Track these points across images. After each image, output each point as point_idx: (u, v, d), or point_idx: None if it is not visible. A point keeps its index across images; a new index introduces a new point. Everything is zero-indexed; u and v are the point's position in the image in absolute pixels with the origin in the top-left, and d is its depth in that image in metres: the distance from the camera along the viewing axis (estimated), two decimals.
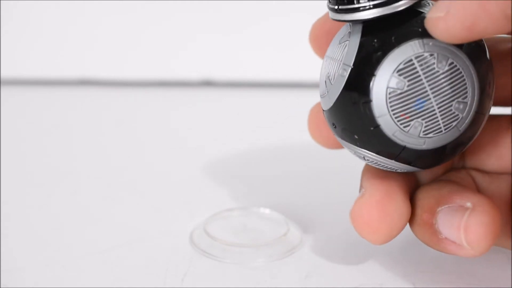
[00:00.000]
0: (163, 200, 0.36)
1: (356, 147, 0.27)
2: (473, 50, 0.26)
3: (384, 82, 0.25)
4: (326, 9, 0.27)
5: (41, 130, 0.45)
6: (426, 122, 0.25)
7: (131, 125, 0.46)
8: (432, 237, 0.27)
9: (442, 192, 0.27)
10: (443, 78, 0.25)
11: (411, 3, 0.25)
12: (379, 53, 0.25)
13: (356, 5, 0.25)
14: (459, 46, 0.25)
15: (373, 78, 0.25)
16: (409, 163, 0.27)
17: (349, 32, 0.26)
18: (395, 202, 0.27)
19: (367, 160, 0.27)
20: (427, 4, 0.26)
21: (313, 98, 0.32)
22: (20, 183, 0.38)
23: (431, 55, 0.25)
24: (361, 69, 0.26)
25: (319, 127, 0.31)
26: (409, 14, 0.26)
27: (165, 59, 0.52)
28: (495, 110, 0.29)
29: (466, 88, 0.25)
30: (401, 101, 0.25)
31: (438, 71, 0.25)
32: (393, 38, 0.25)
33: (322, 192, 0.37)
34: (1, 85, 0.51)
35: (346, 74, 0.26)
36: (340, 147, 0.29)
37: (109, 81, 0.52)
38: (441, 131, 0.26)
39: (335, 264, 0.31)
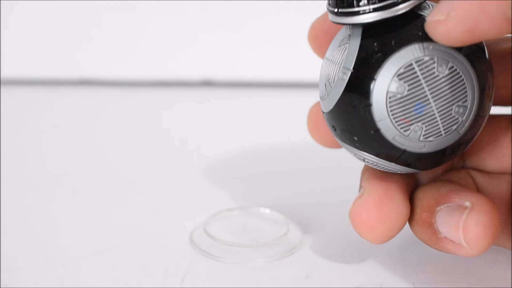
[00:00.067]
0: (163, 200, 0.36)
1: (356, 149, 0.27)
2: (473, 52, 0.26)
3: (384, 86, 0.25)
4: (326, 9, 0.27)
5: (41, 130, 0.45)
6: (426, 126, 0.25)
7: (131, 125, 0.46)
8: (431, 237, 0.27)
9: (441, 191, 0.27)
10: (443, 82, 0.25)
11: (411, 6, 0.25)
12: (379, 57, 0.25)
13: (356, 9, 0.25)
14: (459, 49, 0.25)
15: (373, 82, 0.25)
16: (408, 165, 0.27)
17: (349, 35, 0.26)
18: (394, 201, 0.27)
19: (367, 162, 0.27)
20: (427, 7, 0.26)
21: (313, 98, 0.32)
22: (20, 183, 0.38)
23: (431, 59, 0.25)
24: (361, 73, 0.25)
25: (318, 126, 0.31)
26: (409, 17, 0.25)
27: (165, 59, 0.52)
28: (494, 110, 0.29)
29: (466, 91, 0.25)
30: (401, 105, 0.25)
31: (438, 76, 0.25)
32: (393, 42, 0.25)
33: (322, 192, 0.37)
34: (1, 85, 0.51)
35: (346, 78, 0.26)
36: (340, 146, 0.29)
37: (109, 81, 0.52)
38: (441, 134, 0.26)
39: (335, 264, 0.31)
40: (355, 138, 0.26)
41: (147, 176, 0.39)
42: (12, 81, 0.52)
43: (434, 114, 0.25)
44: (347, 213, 0.27)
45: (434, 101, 0.25)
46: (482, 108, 0.26)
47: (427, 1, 0.26)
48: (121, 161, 0.41)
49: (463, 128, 0.26)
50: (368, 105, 0.25)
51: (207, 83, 0.52)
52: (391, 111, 0.25)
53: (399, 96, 0.25)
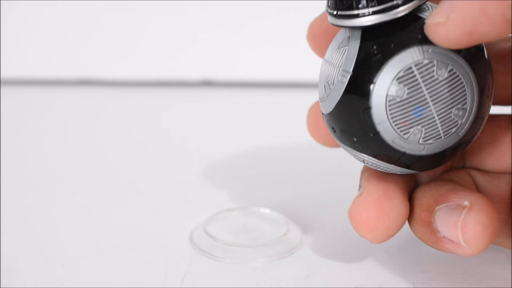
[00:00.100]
0: (163, 200, 0.36)
1: (355, 151, 0.27)
2: (472, 53, 0.25)
3: (383, 89, 0.25)
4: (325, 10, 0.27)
5: (41, 130, 0.46)
6: (425, 129, 0.25)
7: (131, 125, 0.46)
8: (431, 236, 0.27)
9: (440, 191, 0.27)
10: (442, 85, 0.25)
11: (410, 9, 0.25)
12: (378, 60, 0.25)
13: (355, 12, 0.25)
14: (458, 51, 0.25)
15: (372, 86, 0.25)
16: (408, 167, 0.27)
17: (348, 37, 0.26)
18: (393, 201, 0.27)
19: (366, 163, 0.27)
20: (427, 9, 0.26)
21: (312, 98, 0.32)
22: (20, 183, 0.38)
23: (430, 62, 0.25)
24: (361, 76, 0.25)
25: (318, 126, 0.31)
26: (408, 19, 0.25)
27: (165, 59, 0.52)
28: (494, 110, 0.29)
29: (465, 94, 0.25)
30: (400, 108, 0.25)
31: (437, 79, 0.25)
32: (392, 45, 0.25)
33: (322, 192, 0.37)
34: (1, 85, 0.51)
35: (346, 81, 0.26)
36: (339, 146, 0.29)
37: (109, 81, 0.52)
38: (441, 137, 0.26)
39: (335, 264, 0.31)
40: (355, 140, 0.26)
41: (147, 176, 0.39)
42: (12, 81, 0.52)
43: (433, 117, 0.25)
44: (347, 212, 0.27)
45: (434, 104, 0.25)
46: (481, 109, 0.26)
47: (426, 3, 0.26)
48: (121, 161, 0.41)
49: (463, 130, 0.26)
50: (368, 108, 0.25)
51: (207, 83, 0.52)
52: (390, 114, 0.25)
53: (398, 99, 0.25)
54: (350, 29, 0.26)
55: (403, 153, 0.26)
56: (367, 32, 0.26)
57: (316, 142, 0.32)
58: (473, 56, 0.25)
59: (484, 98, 0.26)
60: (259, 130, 0.45)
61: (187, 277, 0.30)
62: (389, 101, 0.25)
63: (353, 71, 0.26)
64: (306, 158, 0.40)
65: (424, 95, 0.25)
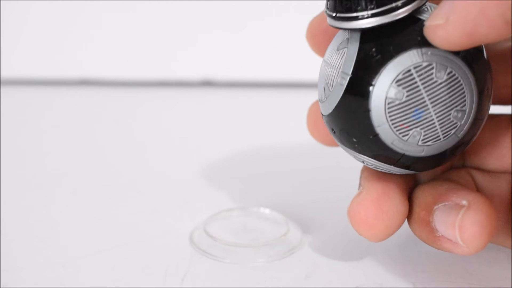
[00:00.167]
0: (163, 200, 0.36)
1: (355, 152, 0.27)
2: (471, 54, 0.25)
3: (382, 92, 0.25)
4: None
5: (41, 130, 0.46)
6: (424, 131, 0.25)
7: (131, 125, 0.46)
8: (429, 235, 0.27)
9: (439, 190, 0.27)
10: (441, 88, 0.25)
11: (410, 11, 0.25)
12: (377, 63, 0.25)
13: (354, 14, 0.25)
14: (457, 52, 0.25)
15: (371, 88, 0.25)
16: (407, 168, 0.27)
17: (347, 39, 0.26)
18: (392, 200, 0.27)
19: (366, 163, 0.27)
20: (426, 10, 0.26)
21: (312, 98, 0.32)
22: (20, 183, 0.38)
23: (429, 65, 0.25)
24: (360, 79, 0.25)
25: (318, 125, 0.31)
26: (407, 21, 0.25)
27: (165, 59, 0.52)
28: (495, 109, 0.29)
29: (464, 96, 0.25)
30: (399, 111, 0.25)
31: (436, 81, 0.25)
32: (391, 47, 0.25)
33: (322, 192, 0.37)
34: (1, 85, 0.51)
35: (345, 83, 0.26)
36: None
37: (109, 81, 0.52)
38: (440, 139, 0.26)
39: (335, 264, 0.31)
40: (354, 141, 0.26)
41: (147, 176, 0.39)
42: (12, 81, 0.52)
43: (432, 120, 0.25)
44: (346, 211, 0.28)
45: (433, 106, 0.25)
46: (480, 111, 0.26)
47: (426, 4, 0.26)
48: (121, 161, 0.41)
49: (462, 131, 0.26)
50: (367, 111, 0.25)
51: (207, 83, 0.52)
52: (389, 116, 0.25)
53: (397, 102, 0.25)
54: (349, 31, 0.26)
55: (403, 155, 0.26)
56: (366, 34, 0.26)
57: (316, 142, 0.32)
58: (472, 57, 0.25)
59: (483, 100, 0.26)
60: (259, 130, 0.45)
61: (187, 277, 0.30)
62: (388, 103, 0.25)
63: (352, 73, 0.26)
64: (306, 158, 0.40)
65: (423, 98, 0.25)
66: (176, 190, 0.37)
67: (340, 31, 0.27)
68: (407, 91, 0.25)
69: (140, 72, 0.52)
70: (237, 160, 0.41)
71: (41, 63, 0.52)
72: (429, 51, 0.25)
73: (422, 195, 0.27)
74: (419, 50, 0.25)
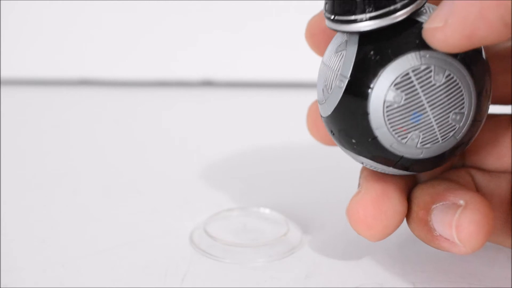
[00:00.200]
0: (163, 200, 0.36)
1: (354, 153, 0.27)
2: (469, 55, 0.25)
3: (381, 95, 0.25)
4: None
5: (41, 130, 0.46)
6: (423, 134, 0.25)
7: (131, 125, 0.46)
8: (427, 234, 0.27)
9: (437, 189, 0.27)
10: (440, 91, 0.25)
11: (408, 13, 0.25)
12: (376, 66, 0.25)
13: (353, 17, 0.25)
14: (455, 54, 0.25)
15: (370, 91, 0.25)
16: (406, 169, 0.27)
17: (346, 41, 0.26)
18: (390, 200, 0.27)
19: (365, 165, 0.27)
20: (425, 11, 0.26)
21: (312, 98, 0.32)
22: (20, 183, 0.38)
23: (428, 68, 0.25)
24: (358, 82, 0.25)
25: (317, 124, 0.31)
26: (406, 24, 0.25)
27: (165, 59, 0.52)
28: (495, 109, 0.29)
29: (463, 99, 0.25)
30: (398, 114, 0.25)
31: (435, 84, 0.25)
32: (389, 50, 0.25)
33: (322, 192, 0.37)
34: (1, 85, 0.51)
35: (343, 86, 0.26)
36: None
37: (109, 81, 0.52)
38: (438, 141, 0.26)
39: (335, 264, 0.31)
40: (353, 143, 0.26)
41: (147, 176, 0.39)
42: (12, 81, 0.52)
43: (431, 123, 0.25)
44: (345, 211, 0.28)
45: (431, 109, 0.25)
46: (479, 112, 0.26)
47: (425, 6, 0.26)
48: (121, 161, 0.41)
49: (461, 133, 0.26)
50: (365, 114, 0.25)
51: (207, 83, 0.52)
52: (388, 120, 0.25)
53: (396, 105, 0.25)
54: (347, 33, 0.26)
55: (401, 157, 0.26)
56: (364, 37, 0.26)
57: (316, 142, 0.32)
58: (471, 58, 0.25)
59: (482, 101, 0.26)
60: (259, 130, 0.45)
61: (187, 277, 0.30)
62: (387, 107, 0.25)
63: (350, 76, 0.25)
64: (306, 158, 0.40)
65: (422, 101, 0.25)
66: (176, 190, 0.37)
67: (339, 32, 0.27)
68: (406, 95, 0.25)
69: (140, 72, 0.52)
70: (237, 160, 0.41)
71: (41, 63, 0.52)
72: (427, 54, 0.25)
73: (421, 195, 0.27)
74: (417, 53, 0.25)
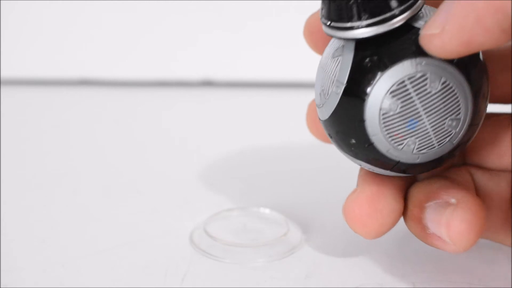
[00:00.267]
0: (163, 200, 0.36)
1: (351, 157, 0.27)
2: (465, 59, 0.25)
3: (377, 103, 0.25)
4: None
5: (41, 130, 0.45)
6: (419, 140, 0.25)
7: (131, 125, 0.46)
8: (421, 232, 0.27)
9: (432, 188, 0.27)
10: (436, 98, 0.25)
11: (405, 19, 0.25)
12: (372, 74, 0.25)
13: (349, 24, 0.25)
14: (451, 59, 0.25)
15: (366, 99, 0.25)
16: (403, 172, 0.27)
17: (343, 46, 0.26)
18: (386, 198, 0.27)
19: (363, 167, 0.27)
20: (423, 15, 0.26)
21: (312, 97, 0.32)
22: (20, 183, 0.38)
23: (423, 75, 0.25)
24: (354, 89, 0.25)
25: (317, 122, 0.31)
26: (403, 30, 0.25)
27: (165, 59, 0.52)
28: (495, 108, 0.29)
29: (459, 105, 0.25)
30: (394, 121, 0.25)
31: (430, 92, 0.25)
32: (386, 58, 0.25)
33: (322, 192, 0.37)
34: (1, 85, 0.51)
35: (340, 92, 0.26)
36: None
37: (109, 81, 0.52)
38: (434, 147, 0.26)
39: (335, 264, 0.31)
40: (351, 147, 0.26)
41: (147, 176, 0.39)
42: (12, 81, 0.52)
43: (427, 129, 0.25)
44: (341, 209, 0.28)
45: (427, 116, 0.25)
46: (476, 116, 0.26)
47: (422, 9, 0.26)
48: (121, 161, 0.41)
49: (457, 138, 0.26)
50: (362, 121, 0.25)
51: (207, 83, 0.52)
52: (384, 127, 0.25)
53: (391, 113, 0.25)
54: (344, 39, 0.26)
55: (398, 162, 0.26)
56: (361, 43, 0.25)
57: (316, 142, 0.32)
58: (467, 62, 0.25)
59: (479, 105, 0.26)
60: (259, 130, 0.45)
61: (187, 277, 0.30)
62: (383, 114, 0.25)
63: (347, 82, 0.25)
64: (306, 158, 0.40)
65: (418, 108, 0.25)
66: (176, 190, 0.37)
67: None
68: (401, 102, 0.25)
69: (140, 72, 0.52)
70: (237, 160, 0.41)
71: (41, 63, 0.52)
72: (423, 61, 0.25)
73: (416, 193, 0.27)
74: (413, 60, 0.25)
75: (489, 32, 0.23)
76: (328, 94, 0.26)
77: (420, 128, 0.25)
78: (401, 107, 0.25)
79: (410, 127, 0.25)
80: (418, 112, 0.25)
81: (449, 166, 0.30)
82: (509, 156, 0.29)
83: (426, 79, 0.25)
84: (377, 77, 0.25)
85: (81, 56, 0.52)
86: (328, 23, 0.26)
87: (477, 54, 0.26)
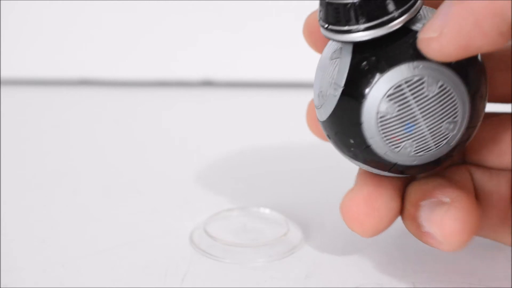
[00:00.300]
0: (163, 200, 0.36)
1: (349, 158, 0.27)
2: (463, 62, 0.25)
3: (374, 106, 0.25)
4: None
5: (41, 130, 0.45)
6: (416, 143, 0.25)
7: (131, 125, 0.46)
8: (417, 231, 0.27)
9: (427, 186, 0.27)
10: (433, 101, 0.25)
11: (403, 22, 0.25)
12: (369, 77, 0.25)
13: (346, 28, 0.25)
14: (448, 62, 0.25)
15: (363, 102, 0.25)
16: (402, 173, 0.27)
17: (340, 48, 0.26)
18: (382, 197, 0.27)
19: (362, 167, 0.27)
20: (421, 17, 0.25)
21: (312, 97, 0.32)
22: (20, 183, 0.38)
23: (421, 79, 0.25)
24: (352, 92, 0.25)
25: (316, 120, 0.31)
26: (400, 33, 0.25)
27: (165, 59, 0.52)
28: (496, 108, 0.29)
29: (456, 108, 0.25)
30: (391, 125, 0.25)
31: (428, 95, 0.25)
32: (383, 61, 0.25)
33: (322, 192, 0.37)
34: (1, 85, 0.51)
35: (338, 94, 0.26)
36: None
37: (109, 81, 0.52)
38: (431, 149, 0.26)
39: (335, 264, 0.31)
40: (348, 148, 0.26)
41: (147, 176, 0.39)
42: (12, 81, 0.52)
43: (424, 132, 0.25)
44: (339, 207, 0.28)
45: (424, 120, 0.25)
46: (473, 119, 0.26)
47: (420, 12, 0.26)
48: (121, 161, 0.41)
49: (454, 140, 0.26)
50: (359, 124, 0.25)
51: (207, 83, 0.52)
52: (381, 130, 0.25)
53: (388, 116, 0.25)
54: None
55: (395, 163, 0.26)
56: (358, 46, 0.25)
57: (315, 142, 0.32)
58: (465, 64, 0.25)
59: (476, 108, 0.26)
60: (259, 130, 0.45)
61: (187, 277, 0.30)
62: (380, 117, 0.25)
63: (344, 85, 0.25)
64: (306, 158, 0.40)
65: (415, 112, 0.25)
66: (176, 190, 0.37)
67: None
68: (398, 106, 0.25)
69: (140, 72, 0.52)
70: (237, 160, 0.41)
71: (41, 63, 0.52)
72: (420, 64, 0.25)
73: (412, 192, 0.28)
74: (410, 64, 0.25)
75: (487, 36, 0.23)
76: (326, 96, 0.26)
77: (417, 131, 0.25)
78: (398, 110, 0.25)
79: (407, 130, 0.25)
80: (415, 116, 0.25)
81: (449, 165, 0.30)
82: (509, 155, 0.29)
83: (423, 82, 0.25)
84: (374, 80, 0.25)
85: (81, 56, 0.52)
86: (326, 25, 0.25)
87: (475, 56, 0.26)
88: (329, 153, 0.34)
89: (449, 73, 0.25)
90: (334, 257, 0.31)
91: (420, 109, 0.25)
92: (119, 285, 0.29)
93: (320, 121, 0.27)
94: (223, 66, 0.52)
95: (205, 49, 0.51)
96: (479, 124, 0.27)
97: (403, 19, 0.25)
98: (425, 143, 0.25)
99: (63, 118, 0.47)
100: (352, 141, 0.26)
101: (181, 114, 0.48)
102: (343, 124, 0.26)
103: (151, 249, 0.32)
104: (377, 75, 0.25)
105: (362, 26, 0.25)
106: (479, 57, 0.26)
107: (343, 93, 0.25)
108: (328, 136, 0.27)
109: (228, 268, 0.30)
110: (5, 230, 0.33)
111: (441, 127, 0.25)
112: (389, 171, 0.27)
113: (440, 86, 0.25)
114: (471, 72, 0.25)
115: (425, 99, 0.25)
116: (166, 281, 0.29)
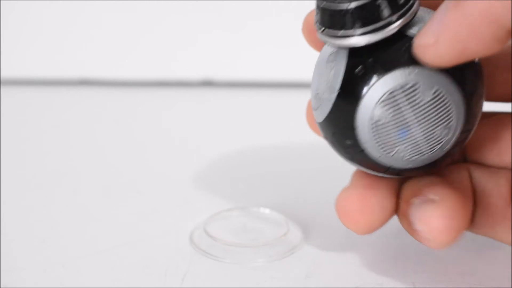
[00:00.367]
0: (163, 200, 0.36)
1: (346, 159, 0.27)
2: (458, 66, 0.25)
3: (368, 112, 0.25)
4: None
5: (41, 130, 0.45)
6: (410, 148, 0.25)
7: (131, 125, 0.46)
8: (408, 228, 0.27)
9: (419, 184, 0.27)
10: (427, 107, 0.25)
11: (399, 27, 0.25)
12: (363, 82, 0.25)
13: (341, 33, 0.25)
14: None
15: (357, 107, 0.25)
16: (397, 174, 0.27)
17: (336, 51, 0.26)
18: (377, 195, 0.27)
19: (359, 168, 0.27)
20: (417, 21, 0.25)
21: None
22: (20, 183, 0.38)
23: (415, 85, 0.25)
24: (346, 97, 0.25)
25: None
26: (395, 38, 0.25)
27: (165, 59, 0.52)
28: (496, 107, 0.29)
29: (451, 113, 0.25)
30: (384, 130, 0.25)
31: (422, 101, 0.25)
32: (378, 66, 0.25)
33: (322, 192, 0.37)
34: (1, 85, 0.51)
35: (333, 98, 0.26)
36: None
37: (109, 81, 0.52)
38: (426, 153, 0.26)
39: (335, 264, 0.31)
40: (344, 150, 0.27)
41: (147, 176, 0.39)
42: (12, 81, 0.52)
43: (417, 138, 0.25)
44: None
45: (418, 125, 0.25)
46: (468, 123, 0.26)
47: (417, 15, 0.25)
48: (121, 161, 0.41)
49: (448, 145, 0.26)
50: (353, 128, 0.25)
51: (207, 83, 0.52)
52: (374, 135, 0.25)
53: (382, 121, 0.25)
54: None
55: (390, 167, 0.26)
56: (354, 50, 0.25)
57: (315, 142, 0.32)
58: (461, 69, 0.25)
59: (471, 112, 0.26)
60: (259, 130, 0.45)
61: (187, 277, 0.30)
62: (374, 123, 0.25)
63: (339, 89, 0.25)
64: (306, 158, 0.40)
65: (409, 118, 0.25)
66: (176, 190, 0.37)
67: None
68: (392, 112, 0.25)
69: (140, 72, 0.52)
70: (237, 160, 0.41)
71: (41, 63, 0.52)
72: (415, 70, 0.25)
73: (405, 189, 0.28)
74: (405, 69, 0.25)
75: (484, 42, 0.23)
76: (322, 98, 0.26)
77: (410, 137, 0.25)
78: (392, 116, 0.25)
79: (401, 135, 0.25)
80: (409, 122, 0.25)
81: (449, 164, 0.30)
82: (509, 154, 0.29)
83: (417, 88, 0.25)
84: (369, 86, 0.25)
85: (81, 56, 0.52)
86: (322, 29, 0.25)
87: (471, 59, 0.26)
88: (329, 153, 0.34)
89: (444, 79, 0.25)
90: (334, 257, 0.31)
91: (414, 114, 0.25)
92: (119, 285, 0.29)
93: (317, 123, 0.27)
94: (223, 66, 0.52)
95: (205, 49, 0.51)
96: (475, 127, 0.27)
97: (399, 24, 0.25)
98: (418, 148, 0.25)
99: (63, 118, 0.47)
100: (346, 144, 0.26)
101: (181, 114, 0.48)
102: (338, 128, 0.26)
103: (151, 249, 0.32)
104: (372, 81, 0.25)
105: (358, 31, 0.25)
106: (476, 59, 0.26)
107: (338, 97, 0.25)
108: (325, 137, 0.27)
109: (228, 268, 0.30)
110: (5, 230, 0.33)
111: (435, 132, 0.25)
112: (384, 172, 0.27)
113: (435, 92, 0.25)
114: (467, 76, 0.25)
115: (419, 105, 0.25)
116: (166, 281, 0.29)
